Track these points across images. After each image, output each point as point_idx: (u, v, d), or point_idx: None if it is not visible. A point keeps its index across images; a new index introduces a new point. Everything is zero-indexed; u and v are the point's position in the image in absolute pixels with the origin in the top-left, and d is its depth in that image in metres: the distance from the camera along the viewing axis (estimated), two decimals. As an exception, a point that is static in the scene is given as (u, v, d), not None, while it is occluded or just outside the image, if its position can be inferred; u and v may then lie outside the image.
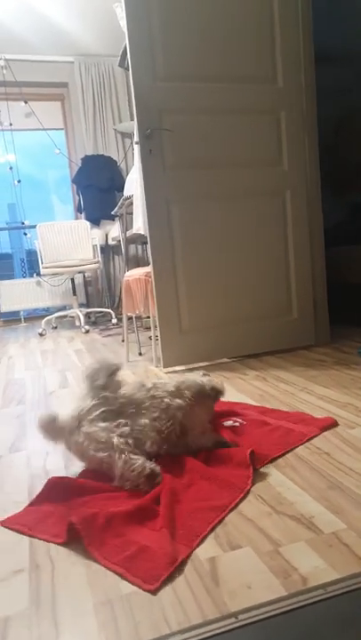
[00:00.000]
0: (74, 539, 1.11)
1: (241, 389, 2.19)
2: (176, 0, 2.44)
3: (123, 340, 3.82)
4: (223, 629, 0.80)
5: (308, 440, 1.55)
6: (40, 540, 1.15)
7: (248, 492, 1.27)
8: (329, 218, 2.94)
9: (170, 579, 0.96)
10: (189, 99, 2.52)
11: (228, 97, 2.58)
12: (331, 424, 1.65)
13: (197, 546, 1.06)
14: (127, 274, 3.02)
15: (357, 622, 0.79)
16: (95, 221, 5.24)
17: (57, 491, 1.30)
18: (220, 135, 2.59)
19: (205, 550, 1.04)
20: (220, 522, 1.15)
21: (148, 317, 4.18)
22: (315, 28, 2.74)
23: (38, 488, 1.36)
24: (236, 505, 1.22)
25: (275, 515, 1.16)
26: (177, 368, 2.65)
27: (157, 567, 0.98)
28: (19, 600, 0.96)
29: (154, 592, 0.93)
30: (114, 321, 4.88)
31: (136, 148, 2.56)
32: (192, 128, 2.53)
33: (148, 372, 2.71)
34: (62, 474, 1.47)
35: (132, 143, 5.41)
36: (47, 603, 0.94)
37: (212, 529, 1.12)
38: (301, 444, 1.53)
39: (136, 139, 2.50)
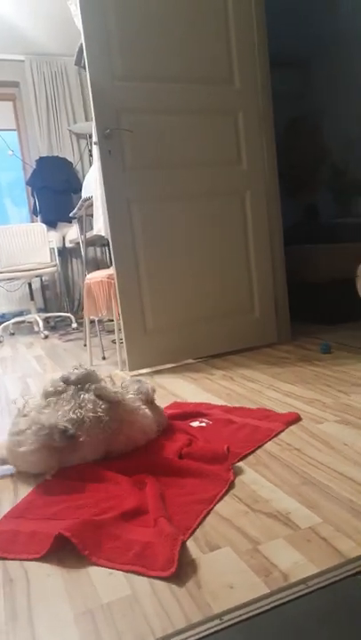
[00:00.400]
0: (51, 552, 1.08)
1: (208, 389, 2.19)
2: (132, 1, 2.42)
3: (85, 345, 3.76)
4: (209, 632, 0.80)
5: (275, 435, 1.57)
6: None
7: (232, 484, 1.28)
8: (286, 218, 2.99)
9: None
10: (148, 99, 2.50)
11: (187, 97, 2.58)
12: (295, 419, 1.69)
13: (190, 536, 1.07)
14: (88, 276, 2.98)
15: (340, 614, 0.80)
16: (51, 224, 5.14)
17: (18, 508, 1.26)
18: (180, 135, 2.58)
19: (185, 553, 1.03)
20: (208, 513, 1.16)
21: (111, 321, 4.14)
22: (269, 34, 2.78)
23: None
24: (222, 497, 1.22)
25: (251, 513, 1.16)
26: (143, 370, 2.63)
27: (165, 552, 0.99)
28: (-7, 617, 0.92)
29: (174, 575, 0.94)
30: (74, 325, 4.80)
31: (95, 148, 2.52)
32: (151, 128, 2.52)
33: (113, 375, 2.68)
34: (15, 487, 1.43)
35: (87, 144, 5.35)
36: (24, 617, 0.91)
37: (201, 521, 1.13)
38: (270, 440, 1.54)
39: (95, 139, 2.47)
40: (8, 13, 4.61)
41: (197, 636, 0.79)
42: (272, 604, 0.83)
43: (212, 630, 0.80)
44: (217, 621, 0.82)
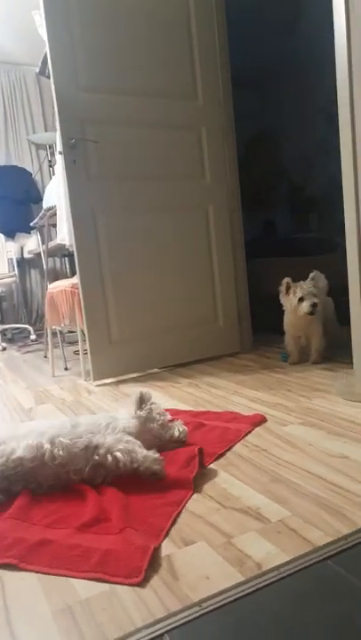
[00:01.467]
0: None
1: (175, 396, 2.22)
2: (97, 14, 2.47)
3: (45, 356, 3.72)
4: (189, 618, 0.82)
5: (244, 435, 1.62)
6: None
7: (195, 486, 1.31)
8: (246, 233, 3.08)
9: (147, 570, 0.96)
10: (113, 111, 2.55)
11: (152, 111, 2.64)
12: (260, 420, 1.76)
13: (164, 539, 1.08)
14: (51, 286, 2.97)
15: (312, 597, 0.84)
16: (10, 234, 5.08)
17: None
18: (145, 148, 2.64)
19: (161, 549, 1.05)
20: (178, 514, 1.18)
21: (72, 332, 4.11)
22: (231, 55, 2.89)
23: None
24: (189, 499, 1.25)
25: (223, 510, 1.19)
26: (107, 380, 2.63)
27: (133, 561, 0.98)
28: (-31, 618, 0.91)
29: (141, 584, 0.94)
30: (33, 337, 4.73)
31: (60, 157, 2.54)
32: (117, 140, 2.56)
33: (76, 386, 2.67)
34: None
35: (47, 155, 5.33)
36: (1, 616, 0.91)
37: (173, 522, 1.14)
38: (239, 441, 1.58)
39: (60, 148, 2.48)
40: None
41: (178, 623, 0.81)
42: (248, 590, 0.87)
43: (193, 617, 0.82)
44: (196, 608, 0.84)
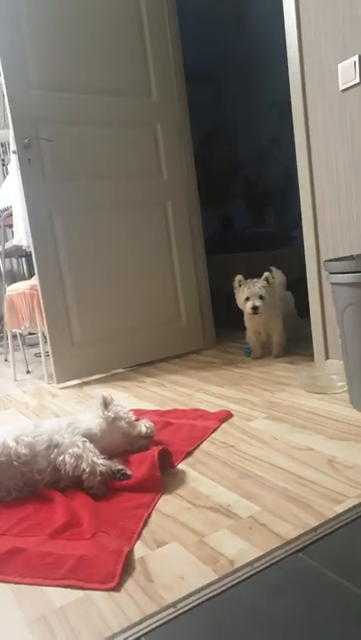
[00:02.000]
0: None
1: (141, 396, 2.21)
2: (46, 11, 2.42)
3: (6, 360, 3.65)
4: (165, 619, 0.83)
5: (212, 432, 1.63)
6: None
7: (165, 486, 1.32)
8: (205, 229, 3.10)
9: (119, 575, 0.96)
10: (66, 109, 2.51)
11: (106, 109, 2.61)
12: (226, 416, 1.78)
13: (136, 541, 1.08)
14: (9, 288, 2.91)
15: (285, 589, 0.86)
16: (-36, 236, 4.94)
17: None
18: (100, 147, 2.61)
19: (134, 551, 1.06)
20: (149, 516, 1.18)
21: (32, 334, 4.04)
22: (183, 50, 2.89)
23: None
24: (158, 500, 1.26)
25: (194, 508, 1.20)
26: (71, 382, 2.60)
27: (107, 566, 0.98)
28: None
29: (116, 589, 0.93)
30: (-8, 340, 4.62)
31: (13, 157, 2.49)
32: (71, 139, 2.52)
33: (40, 389, 2.63)
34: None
35: (0, 153, 5.19)
36: (-26, 631, 0.89)
37: (145, 524, 1.15)
38: (207, 438, 1.60)
39: (13, 147, 2.43)
40: None
41: (154, 625, 0.82)
42: (223, 588, 0.88)
43: (169, 618, 0.83)
44: (172, 609, 0.85)
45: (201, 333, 3.01)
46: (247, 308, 2.48)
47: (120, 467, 1.36)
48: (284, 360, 2.49)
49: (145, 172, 2.77)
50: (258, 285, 2.46)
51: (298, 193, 2.15)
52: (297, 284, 2.60)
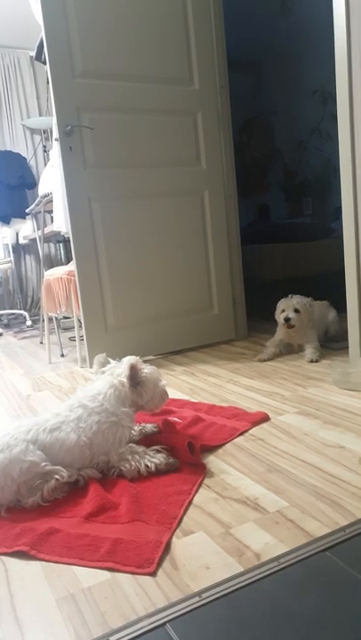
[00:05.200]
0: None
1: (171, 384, 2.23)
2: (91, 2, 2.43)
3: (41, 342, 3.73)
4: (190, 608, 0.84)
5: (239, 434, 1.59)
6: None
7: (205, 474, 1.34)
8: (239, 218, 3.07)
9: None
10: (109, 97, 2.52)
11: (147, 97, 2.61)
12: (262, 418, 1.70)
13: (177, 527, 1.10)
14: (47, 273, 2.96)
15: (311, 587, 0.86)
16: (5, 219, 5.04)
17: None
18: (140, 134, 2.61)
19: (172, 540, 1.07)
20: (190, 503, 1.20)
21: (67, 318, 4.11)
22: (225, 37, 2.84)
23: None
24: (200, 486, 1.28)
25: (221, 500, 1.21)
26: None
27: (144, 553, 1.00)
28: (-26, 607, 0.93)
29: (153, 574, 0.96)
30: (28, 323, 4.72)
31: (55, 144, 2.51)
32: (112, 126, 2.53)
33: (73, 373, 2.68)
34: None
35: (41, 140, 5.27)
36: (6, 602, 0.93)
37: (185, 510, 1.17)
38: (233, 438, 1.56)
39: (56, 135, 2.46)
40: None
41: (179, 613, 0.83)
42: (248, 581, 0.89)
43: (194, 607, 0.84)
44: (196, 598, 0.86)
45: (233, 324, 3.00)
46: (280, 318, 2.47)
47: (171, 459, 1.38)
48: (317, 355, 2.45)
49: (184, 160, 2.76)
50: (295, 300, 2.46)
51: (339, 184, 2.11)
52: (334, 278, 2.56)
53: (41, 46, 2.71)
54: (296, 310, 2.44)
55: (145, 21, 2.56)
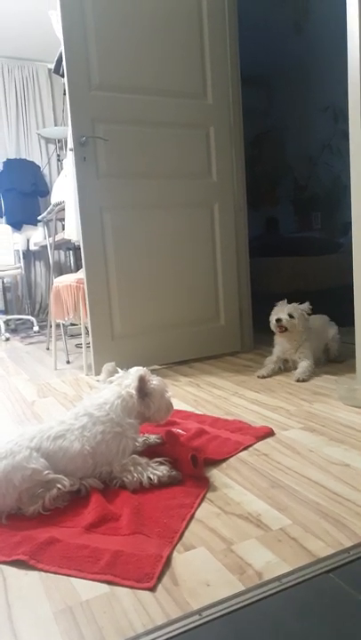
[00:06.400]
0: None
1: (175, 395, 2.22)
2: (111, 15, 2.46)
3: (48, 348, 3.73)
4: (189, 627, 0.83)
5: (243, 449, 1.57)
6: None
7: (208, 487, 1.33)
8: (250, 230, 3.07)
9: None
10: (123, 109, 2.54)
11: (161, 110, 2.63)
12: (267, 433, 1.68)
13: (178, 541, 1.09)
14: (57, 280, 2.97)
15: (313, 609, 0.85)
16: (16, 226, 5.08)
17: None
18: (153, 146, 2.63)
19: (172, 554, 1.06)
20: (192, 517, 1.19)
21: (74, 325, 4.12)
22: (239, 54, 2.87)
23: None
24: (202, 500, 1.27)
25: (223, 515, 1.20)
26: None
27: (144, 567, 0.99)
28: (-28, 617, 0.92)
29: (152, 589, 0.94)
30: (35, 328, 4.74)
31: (70, 154, 2.54)
32: (125, 138, 2.56)
33: (78, 380, 2.68)
34: None
35: (55, 149, 5.32)
36: (3, 614, 0.92)
37: (187, 524, 1.16)
38: (237, 453, 1.55)
39: (70, 145, 2.48)
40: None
41: (178, 631, 0.82)
42: (249, 600, 0.87)
43: (193, 625, 0.83)
44: (196, 617, 0.85)
45: (239, 336, 2.99)
46: (272, 322, 2.39)
47: (174, 472, 1.37)
48: (324, 370, 2.44)
49: (195, 173, 2.77)
50: (290, 305, 2.40)
51: (348, 199, 2.11)
52: (342, 293, 2.54)
53: (60, 60, 2.74)
54: (290, 316, 2.36)
55: (161, 37, 2.59)
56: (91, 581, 0.98)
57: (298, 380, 2.30)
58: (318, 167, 4.85)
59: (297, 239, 4.74)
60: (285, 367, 2.51)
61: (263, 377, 2.42)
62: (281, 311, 2.40)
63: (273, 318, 2.40)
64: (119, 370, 1.62)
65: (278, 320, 2.37)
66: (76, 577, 1.00)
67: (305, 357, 2.41)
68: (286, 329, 2.38)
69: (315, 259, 3.71)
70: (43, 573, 1.02)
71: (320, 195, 4.92)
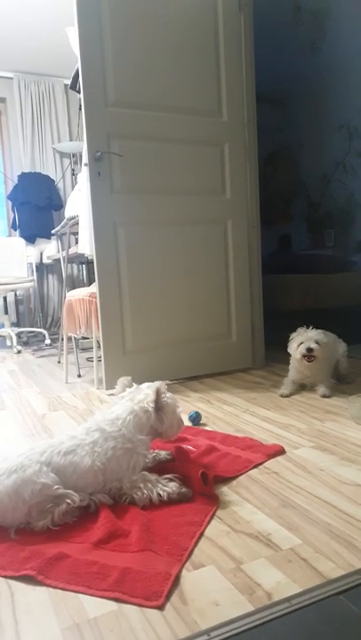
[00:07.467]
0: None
1: (186, 411, 2.21)
2: (128, 33, 2.51)
3: (59, 361, 3.75)
4: (197, 647, 0.82)
5: (253, 467, 1.56)
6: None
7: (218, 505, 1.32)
8: (263, 247, 3.08)
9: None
10: (138, 125, 2.58)
11: (177, 127, 2.66)
12: (278, 451, 1.67)
13: (187, 559, 1.08)
14: (69, 294, 2.99)
15: (324, 632, 0.83)
16: (30, 239, 5.13)
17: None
18: (168, 163, 2.66)
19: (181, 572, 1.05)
20: (201, 535, 1.18)
21: (86, 338, 4.14)
22: (255, 72, 2.91)
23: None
24: (212, 518, 1.26)
25: (233, 533, 1.19)
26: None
27: (153, 584, 0.98)
28: (-21, 630, 0.92)
29: (161, 607, 0.94)
30: (47, 341, 4.76)
31: (84, 169, 2.57)
32: (140, 154, 2.59)
33: (89, 394, 2.68)
34: None
35: (70, 163, 5.39)
36: (10, 629, 0.91)
37: (196, 542, 1.15)
38: (248, 471, 1.54)
39: (85, 160, 2.52)
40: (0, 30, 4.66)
41: (187, 651, 0.81)
42: (258, 622, 0.86)
43: (201, 645, 0.82)
44: (205, 637, 0.84)
45: (250, 352, 2.99)
46: (300, 350, 2.32)
47: (184, 489, 1.37)
48: (336, 389, 2.42)
49: (209, 190, 2.79)
50: (314, 332, 2.36)
51: (362, 219, 2.11)
52: (354, 311, 2.54)
53: (76, 76, 2.80)
54: (317, 342, 2.32)
55: (177, 55, 2.63)
56: (99, 598, 0.98)
57: (323, 396, 2.31)
58: (332, 185, 4.86)
59: (310, 256, 4.74)
60: (302, 389, 2.48)
61: (286, 396, 2.37)
62: (309, 339, 2.33)
63: (303, 347, 2.32)
64: (134, 384, 1.62)
65: (310, 350, 2.31)
66: (84, 593, 0.99)
67: (325, 379, 2.39)
68: (315, 357, 2.34)
69: (327, 276, 3.71)
70: (51, 589, 1.02)
71: (333, 212, 4.93)
